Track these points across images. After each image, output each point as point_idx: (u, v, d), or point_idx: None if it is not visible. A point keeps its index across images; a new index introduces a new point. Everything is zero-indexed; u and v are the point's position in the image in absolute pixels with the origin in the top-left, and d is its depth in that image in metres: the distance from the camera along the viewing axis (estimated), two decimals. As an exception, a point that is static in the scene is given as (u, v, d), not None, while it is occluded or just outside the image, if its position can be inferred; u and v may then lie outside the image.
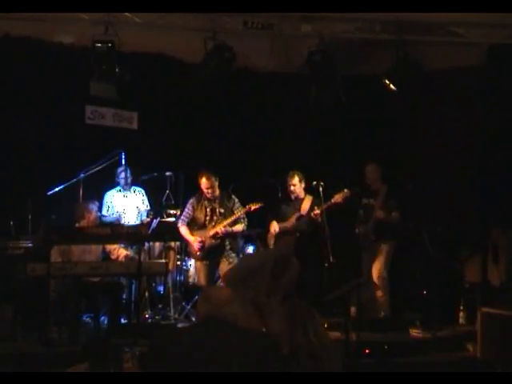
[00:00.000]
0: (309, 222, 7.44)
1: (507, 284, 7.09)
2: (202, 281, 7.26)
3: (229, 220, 7.22)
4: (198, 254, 7.27)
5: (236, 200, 7.33)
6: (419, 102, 8.15)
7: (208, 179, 7.13)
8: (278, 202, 7.68)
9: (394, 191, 7.43)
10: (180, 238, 7.44)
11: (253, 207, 7.23)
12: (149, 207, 7.69)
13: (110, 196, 7.71)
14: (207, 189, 7.17)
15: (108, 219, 7.57)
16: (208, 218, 7.29)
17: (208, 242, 7.24)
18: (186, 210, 7.37)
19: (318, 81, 7.59)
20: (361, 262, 7.48)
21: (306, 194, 7.57)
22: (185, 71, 7.83)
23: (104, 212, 7.60)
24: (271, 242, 7.61)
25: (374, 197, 7.45)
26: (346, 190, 7.25)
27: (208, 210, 7.29)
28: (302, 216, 7.49)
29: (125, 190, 7.71)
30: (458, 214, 7.97)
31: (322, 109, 8.01)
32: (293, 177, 7.48)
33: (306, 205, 7.50)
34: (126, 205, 7.70)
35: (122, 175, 7.60)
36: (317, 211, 7.32)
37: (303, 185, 7.54)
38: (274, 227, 7.54)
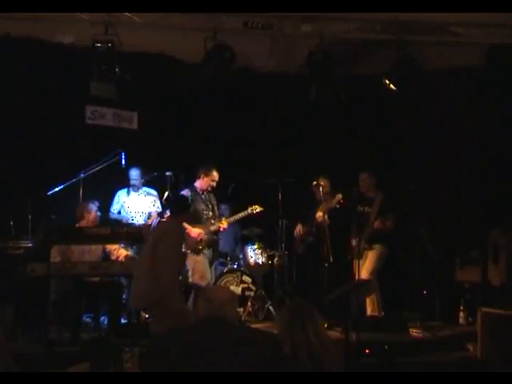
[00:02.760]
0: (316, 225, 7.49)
1: (507, 284, 7.08)
2: (205, 272, 6.97)
3: (237, 216, 7.28)
4: (199, 246, 7.06)
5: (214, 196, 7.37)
6: (419, 102, 8.14)
7: (218, 173, 7.18)
8: (307, 205, 7.70)
9: (390, 198, 7.38)
10: None
11: (255, 211, 7.27)
12: (160, 209, 7.66)
13: (121, 196, 7.76)
14: (215, 182, 7.18)
15: (115, 216, 7.61)
16: (209, 212, 7.23)
17: (208, 237, 7.15)
18: None
19: (318, 81, 7.58)
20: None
21: (331, 197, 7.47)
22: (185, 71, 7.83)
23: (113, 210, 7.67)
24: (298, 245, 7.74)
25: (369, 204, 7.42)
26: (339, 195, 7.25)
27: (205, 205, 7.23)
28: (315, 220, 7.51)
29: (135, 191, 7.74)
30: (458, 214, 7.97)
31: (322, 109, 8.02)
32: (318, 180, 7.44)
33: (321, 210, 7.41)
34: (138, 206, 7.72)
35: (134, 176, 7.64)
36: (319, 213, 7.33)
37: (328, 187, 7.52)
38: (298, 229, 7.68)
